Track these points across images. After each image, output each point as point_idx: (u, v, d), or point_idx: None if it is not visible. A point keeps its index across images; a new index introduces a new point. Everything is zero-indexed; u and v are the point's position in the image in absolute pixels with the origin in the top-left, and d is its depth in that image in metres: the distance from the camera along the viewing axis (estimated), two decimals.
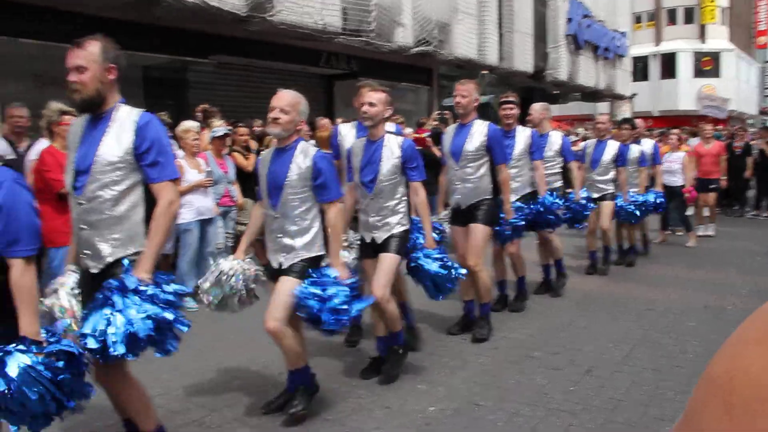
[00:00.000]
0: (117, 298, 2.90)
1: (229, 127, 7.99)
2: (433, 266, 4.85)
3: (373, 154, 4.68)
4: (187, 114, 9.54)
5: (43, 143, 6.00)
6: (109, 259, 3.15)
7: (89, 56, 3.14)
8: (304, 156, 4.03)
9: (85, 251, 3.22)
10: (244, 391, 4.63)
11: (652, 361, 5.14)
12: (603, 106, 30.17)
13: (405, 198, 4.78)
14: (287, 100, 4.04)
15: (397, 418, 4.20)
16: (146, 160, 3.13)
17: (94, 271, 3.19)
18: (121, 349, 2.84)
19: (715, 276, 8.33)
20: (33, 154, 6.00)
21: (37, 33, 9.31)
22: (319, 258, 4.12)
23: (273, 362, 4.85)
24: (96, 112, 3.21)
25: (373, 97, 4.60)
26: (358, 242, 4.89)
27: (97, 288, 3.04)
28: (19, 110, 6.59)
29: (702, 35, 39.69)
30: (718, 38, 39.86)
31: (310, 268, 4.04)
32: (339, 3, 12.34)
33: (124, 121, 3.16)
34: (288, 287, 3.96)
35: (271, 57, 12.68)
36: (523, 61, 18.92)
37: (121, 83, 3.25)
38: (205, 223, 6.96)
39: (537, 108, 7.50)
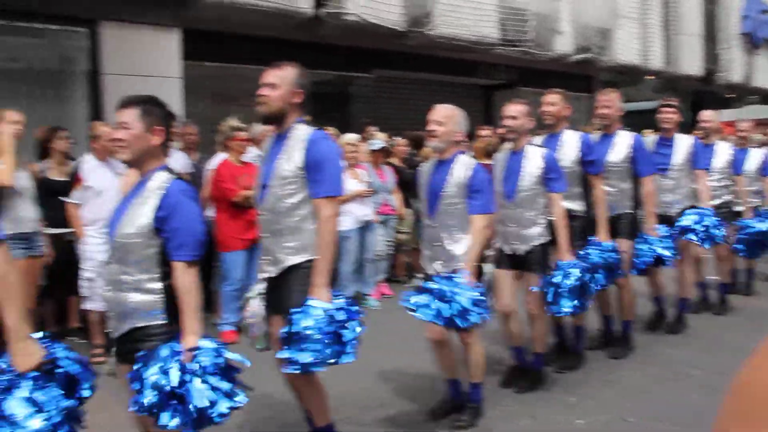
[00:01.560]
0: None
1: (387, 140, 8.29)
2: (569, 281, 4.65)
3: (515, 165, 4.71)
4: (350, 127, 10.00)
5: (220, 156, 6.56)
6: (285, 265, 3.45)
7: (283, 77, 3.48)
8: (463, 168, 4.16)
9: (265, 257, 3.57)
10: (397, 394, 4.82)
11: None
12: None
13: (545, 209, 4.75)
14: (442, 113, 4.20)
15: (543, 428, 4.24)
16: (311, 176, 3.40)
17: (273, 275, 3.51)
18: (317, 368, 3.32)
19: None
20: (212, 166, 6.57)
21: (217, 56, 10.18)
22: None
23: (427, 369, 5.00)
24: (279, 129, 3.55)
25: (514, 111, 4.67)
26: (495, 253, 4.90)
27: (276, 290, 3.45)
28: (190, 127, 7.28)
29: None
30: None
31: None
32: (496, 14, 12.40)
33: (298, 139, 3.44)
34: None
35: (429, 69, 12.96)
36: (691, 63, 18.00)
37: (304, 108, 3.57)
38: (364, 231, 7.29)
39: (709, 115, 7.09)
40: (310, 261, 3.42)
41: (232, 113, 6.69)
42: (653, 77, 17.14)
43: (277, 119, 3.52)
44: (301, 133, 3.48)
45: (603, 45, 15.00)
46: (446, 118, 4.18)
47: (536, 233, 4.68)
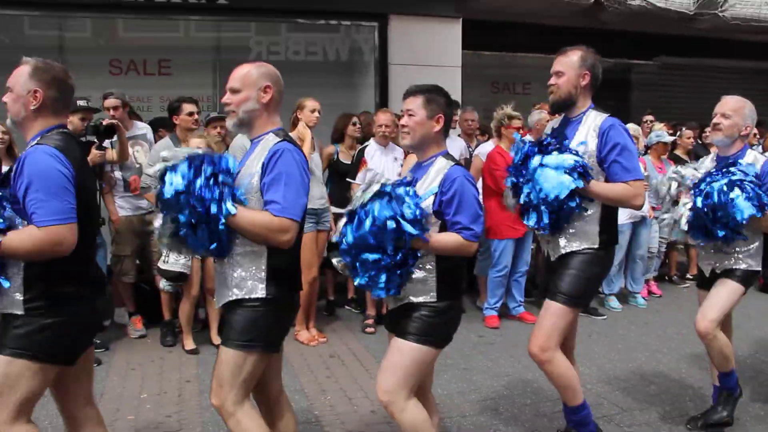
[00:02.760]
0: None
1: (669, 131, 7.87)
2: None
3: None
4: (629, 116, 9.63)
5: (490, 144, 6.70)
6: (562, 251, 3.52)
7: (568, 63, 3.52)
8: (756, 163, 3.84)
9: (547, 239, 3.64)
10: (659, 397, 4.66)
11: None
12: None
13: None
14: (730, 105, 3.91)
15: None
16: (607, 161, 3.40)
17: (553, 259, 3.61)
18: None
19: None
20: (479, 152, 6.77)
21: (496, 45, 10.39)
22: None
23: (693, 373, 4.77)
24: (569, 115, 3.60)
25: (730, 107, 3.95)
26: None
27: (553, 273, 3.57)
28: (470, 113, 7.52)
29: None
30: None
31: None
32: None
33: (591, 125, 3.46)
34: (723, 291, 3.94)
35: (721, 55, 12.00)
36: None
37: (594, 90, 3.56)
38: (637, 226, 7.04)
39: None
40: (586, 250, 3.47)
41: (508, 101, 6.79)
42: None
43: (567, 105, 3.57)
44: (593, 118, 3.50)
45: None
46: (733, 110, 3.88)
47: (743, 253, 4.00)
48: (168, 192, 2.65)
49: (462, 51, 9.11)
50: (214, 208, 2.63)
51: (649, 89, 12.00)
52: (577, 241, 3.48)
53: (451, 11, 8.96)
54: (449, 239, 2.95)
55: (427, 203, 2.95)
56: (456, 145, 6.93)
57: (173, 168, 2.67)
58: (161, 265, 5.39)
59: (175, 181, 2.64)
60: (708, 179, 3.83)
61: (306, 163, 2.84)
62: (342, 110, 7.27)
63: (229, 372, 2.77)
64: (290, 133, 5.70)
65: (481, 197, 6.51)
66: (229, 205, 2.65)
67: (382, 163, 6.15)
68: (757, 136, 8.13)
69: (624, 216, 6.76)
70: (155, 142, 6.16)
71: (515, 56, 10.95)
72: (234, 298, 2.81)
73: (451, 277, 3.06)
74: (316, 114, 5.90)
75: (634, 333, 6.16)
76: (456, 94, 8.55)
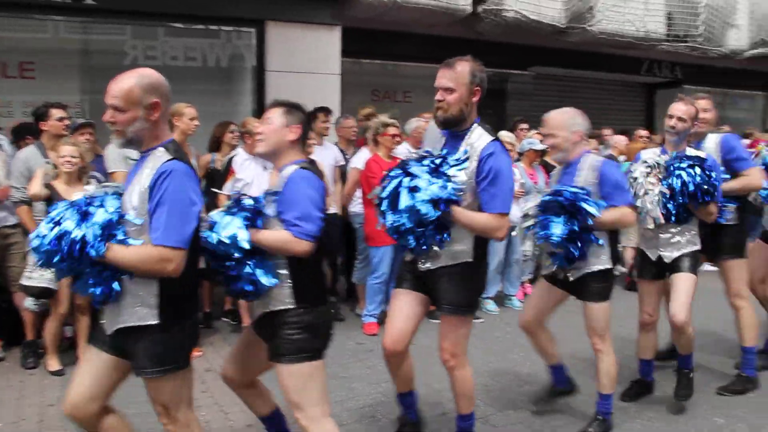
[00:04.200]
0: None
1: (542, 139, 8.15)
2: None
3: None
4: (505, 124, 9.93)
5: (366, 152, 6.71)
6: (440, 264, 3.55)
7: (459, 79, 3.36)
8: (590, 170, 3.97)
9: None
10: (531, 396, 4.78)
11: None
12: None
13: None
14: (551, 125, 4.08)
15: None
16: (479, 187, 3.36)
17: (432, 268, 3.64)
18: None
19: None
20: (355, 162, 6.76)
21: (376, 53, 10.50)
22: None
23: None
24: (454, 129, 3.48)
25: (683, 112, 4.34)
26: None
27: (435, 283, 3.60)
28: (350, 121, 7.53)
29: None
30: None
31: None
32: (663, 8, 11.84)
33: (474, 144, 3.39)
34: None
35: (589, 67, 12.61)
36: None
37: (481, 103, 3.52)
38: (511, 231, 7.23)
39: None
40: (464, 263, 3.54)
41: (388, 109, 6.85)
42: None
43: (456, 123, 3.44)
44: (476, 138, 3.42)
45: None
46: (556, 128, 4.02)
47: (687, 240, 4.40)
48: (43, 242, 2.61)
49: (342, 59, 9.13)
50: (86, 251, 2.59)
51: (524, 98, 12.42)
52: (452, 258, 3.49)
53: (330, 18, 8.96)
54: (276, 235, 2.95)
55: (270, 207, 3.00)
56: (330, 153, 6.92)
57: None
58: (24, 281, 5.06)
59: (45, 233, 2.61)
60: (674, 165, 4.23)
61: (197, 181, 2.78)
62: (220, 118, 7.13)
63: (167, 397, 2.79)
64: None
65: (361, 205, 6.58)
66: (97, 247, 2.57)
67: (253, 173, 6.00)
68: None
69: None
70: (20, 149, 5.81)
71: (396, 65, 11.08)
72: (124, 325, 2.69)
73: (308, 281, 3.04)
74: (195, 122, 5.75)
75: (510, 335, 6.31)
76: (335, 102, 8.55)
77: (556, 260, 4.01)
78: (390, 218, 3.34)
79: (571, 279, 4.05)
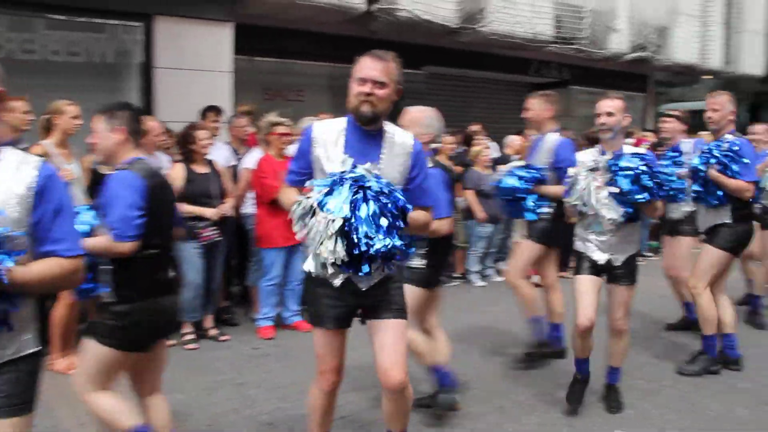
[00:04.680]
0: None
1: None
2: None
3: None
4: (398, 123, 9.96)
5: (258, 152, 6.58)
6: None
7: (390, 73, 3.09)
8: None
9: None
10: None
11: None
12: None
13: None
14: (408, 118, 4.16)
15: None
16: (416, 182, 3.20)
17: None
18: None
19: None
20: (247, 162, 6.62)
21: (269, 51, 10.31)
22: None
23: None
24: (369, 127, 3.14)
25: (610, 106, 4.29)
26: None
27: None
28: (242, 120, 7.34)
29: None
30: None
31: None
32: (551, 11, 12.23)
33: (397, 144, 3.17)
34: None
35: (480, 67, 12.86)
36: (753, 63, 17.46)
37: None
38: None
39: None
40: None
41: (282, 107, 6.71)
42: (711, 77, 16.69)
43: (377, 120, 3.13)
44: (398, 136, 3.21)
45: (660, 43, 14.66)
46: (411, 122, 4.10)
47: (633, 242, 4.43)
48: None
49: (234, 56, 8.91)
50: None
51: (417, 98, 12.40)
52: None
53: (222, 15, 8.72)
54: (99, 241, 3.12)
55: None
56: (221, 153, 6.73)
57: None
58: None
59: None
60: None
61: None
62: None
63: None
64: (44, 143, 5.21)
65: (254, 206, 6.43)
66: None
67: None
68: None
69: None
70: None
71: (289, 63, 10.93)
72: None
73: (129, 279, 3.17)
74: (78, 121, 5.44)
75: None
76: (227, 101, 8.34)
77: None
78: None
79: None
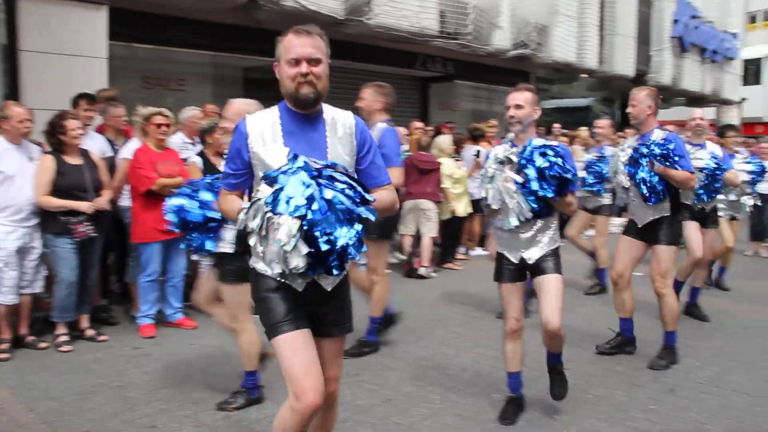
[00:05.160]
0: None
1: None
2: None
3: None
4: None
5: (136, 142, 6.27)
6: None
7: (322, 48, 2.76)
8: None
9: None
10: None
11: (743, 384, 4.92)
12: (709, 111, 28.93)
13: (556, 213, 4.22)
14: (232, 110, 4.06)
15: (469, 425, 4.19)
16: (366, 161, 2.87)
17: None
18: None
19: None
20: (124, 153, 6.31)
21: (147, 38, 9.85)
22: None
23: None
24: (308, 111, 2.79)
25: (520, 98, 4.10)
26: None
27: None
28: (118, 110, 6.91)
29: None
30: None
31: None
32: (436, 6, 12.36)
33: (339, 124, 2.83)
34: None
35: (367, 59, 12.83)
36: (625, 64, 18.39)
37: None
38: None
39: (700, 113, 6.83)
40: None
41: (162, 97, 6.40)
42: (587, 75, 17.42)
43: (318, 103, 2.80)
44: (337, 115, 2.87)
45: (540, 41, 15.15)
46: (237, 115, 3.84)
47: (548, 238, 4.17)
48: None
49: (110, 42, 8.43)
50: None
51: None
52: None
53: None
54: None
55: None
56: (95, 143, 6.33)
57: None
58: None
59: None
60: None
61: None
62: None
63: None
64: None
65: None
66: None
67: (15, 163, 5.45)
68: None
69: None
70: None
71: (169, 50, 10.49)
72: None
73: None
74: None
75: None
76: (102, 87, 7.88)
77: None
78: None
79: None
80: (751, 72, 36.08)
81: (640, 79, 19.75)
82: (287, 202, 2.39)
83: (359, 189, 2.51)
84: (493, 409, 4.37)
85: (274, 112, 2.84)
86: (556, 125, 13.57)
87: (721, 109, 27.92)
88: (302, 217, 2.37)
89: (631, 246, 5.37)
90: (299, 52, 2.70)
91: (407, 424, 4.18)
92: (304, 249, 2.40)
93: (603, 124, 8.18)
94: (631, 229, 5.41)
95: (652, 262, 5.27)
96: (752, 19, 37.85)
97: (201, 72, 11.00)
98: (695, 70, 22.49)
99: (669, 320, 5.33)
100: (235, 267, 4.11)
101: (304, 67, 2.69)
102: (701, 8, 22.36)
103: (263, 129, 2.78)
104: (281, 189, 2.43)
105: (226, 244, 4.19)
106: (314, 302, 2.77)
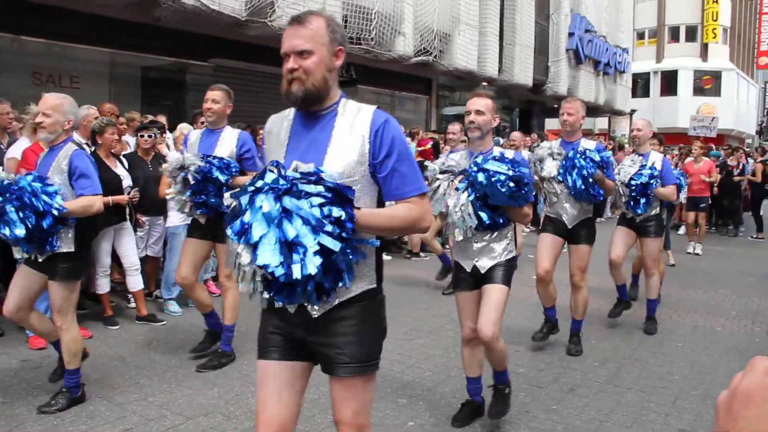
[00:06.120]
0: None
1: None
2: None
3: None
4: (184, 116, 9.54)
5: (24, 141, 5.97)
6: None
7: (315, 36, 2.39)
8: (65, 157, 4.23)
9: None
10: (221, 395, 4.59)
11: (637, 381, 5.13)
12: (601, 122, 30.25)
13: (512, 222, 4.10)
14: (48, 104, 4.22)
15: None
16: (385, 168, 2.42)
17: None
18: None
19: (706, 296, 8.34)
20: (12, 152, 5.99)
21: (38, 31, 9.37)
22: None
23: None
24: (316, 109, 2.47)
25: (481, 104, 3.95)
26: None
27: None
28: (5, 106, 6.53)
29: (704, 54, 39.90)
30: (720, 57, 40.11)
31: None
32: (340, 11, 12.36)
33: (351, 123, 2.45)
34: None
35: (269, 61, 12.66)
36: (524, 74, 18.96)
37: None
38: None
39: (644, 124, 6.73)
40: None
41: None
42: (488, 83, 17.83)
43: (320, 97, 2.43)
44: (357, 111, 2.49)
45: (442, 49, 15.41)
46: (53, 108, 4.19)
47: (502, 248, 4.05)
48: None
49: None
50: None
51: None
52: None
53: None
54: None
55: None
56: None
57: None
58: None
59: None
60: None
61: None
62: None
63: None
64: None
65: None
66: None
67: None
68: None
69: (178, 218, 6.57)
70: None
71: (63, 45, 10.03)
72: None
73: None
74: None
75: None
76: None
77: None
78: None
79: None
80: (640, 85, 38.07)
81: (538, 89, 20.42)
82: (255, 252, 2.15)
83: (335, 211, 2.19)
84: (399, 409, 4.38)
85: (291, 110, 2.57)
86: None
87: (613, 119, 29.21)
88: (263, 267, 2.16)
89: (556, 243, 5.65)
90: (285, 46, 2.41)
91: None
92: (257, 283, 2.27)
93: (517, 135, 8.41)
94: (548, 228, 5.70)
95: (571, 259, 5.65)
96: (640, 36, 39.99)
97: (97, 70, 10.57)
98: (590, 82, 23.47)
99: (580, 309, 5.78)
100: (69, 266, 4.22)
101: (290, 63, 2.39)
102: (594, 23, 23.36)
103: (278, 128, 2.57)
104: (249, 228, 2.16)
105: (64, 244, 4.21)
106: (305, 328, 2.45)
